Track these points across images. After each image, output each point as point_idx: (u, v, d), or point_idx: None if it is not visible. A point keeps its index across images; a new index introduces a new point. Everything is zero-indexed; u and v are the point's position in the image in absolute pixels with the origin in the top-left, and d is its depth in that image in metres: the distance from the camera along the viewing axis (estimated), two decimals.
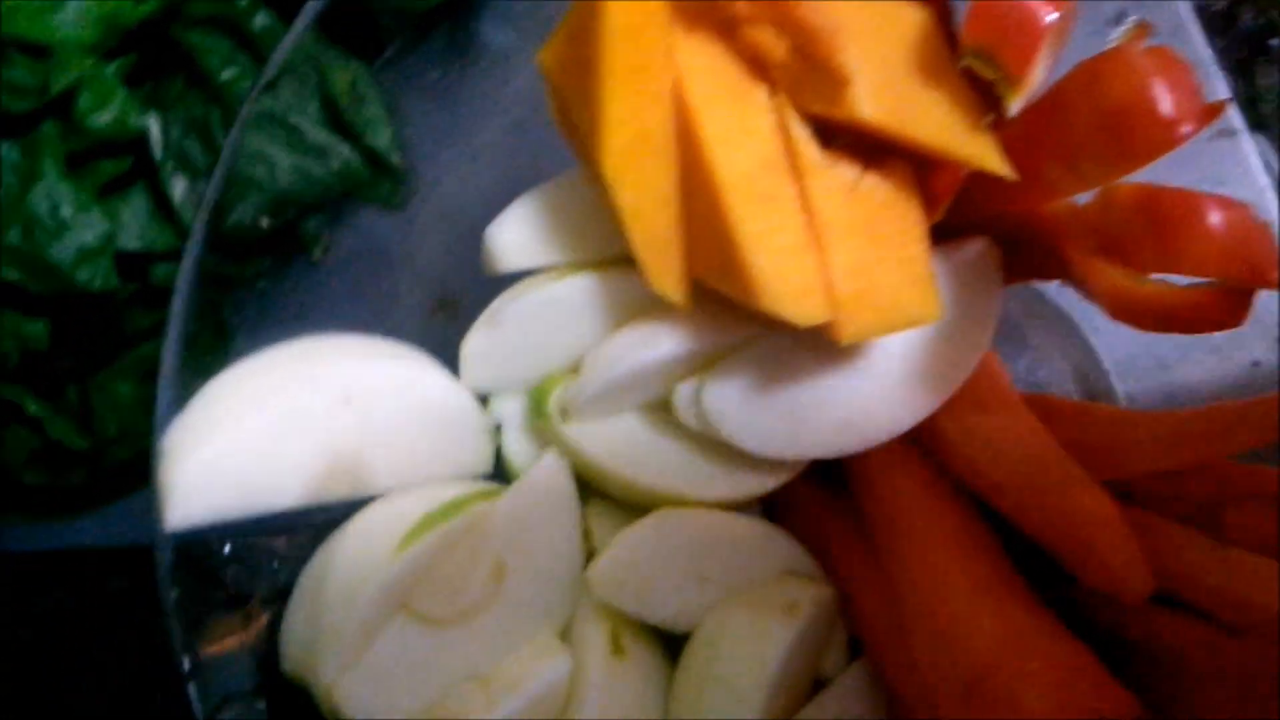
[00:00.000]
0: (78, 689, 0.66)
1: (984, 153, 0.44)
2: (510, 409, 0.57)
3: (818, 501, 0.57)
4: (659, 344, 0.51)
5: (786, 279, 0.44)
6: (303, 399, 0.50)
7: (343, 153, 0.69)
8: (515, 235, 0.54)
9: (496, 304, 0.54)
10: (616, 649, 0.52)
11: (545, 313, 0.53)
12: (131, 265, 0.70)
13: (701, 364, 0.52)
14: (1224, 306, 0.40)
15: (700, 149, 0.45)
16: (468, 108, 0.68)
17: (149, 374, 0.75)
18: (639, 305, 0.53)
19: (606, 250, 0.53)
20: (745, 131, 0.45)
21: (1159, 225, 0.39)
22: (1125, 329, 0.54)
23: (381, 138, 0.69)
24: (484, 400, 0.57)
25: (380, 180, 0.71)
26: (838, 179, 0.46)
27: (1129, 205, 0.41)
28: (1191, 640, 0.43)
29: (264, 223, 0.66)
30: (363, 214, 0.70)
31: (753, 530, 0.55)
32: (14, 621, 0.68)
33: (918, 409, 0.51)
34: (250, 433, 0.49)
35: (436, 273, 0.66)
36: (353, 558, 0.51)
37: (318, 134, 0.68)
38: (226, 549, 0.53)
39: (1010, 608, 0.46)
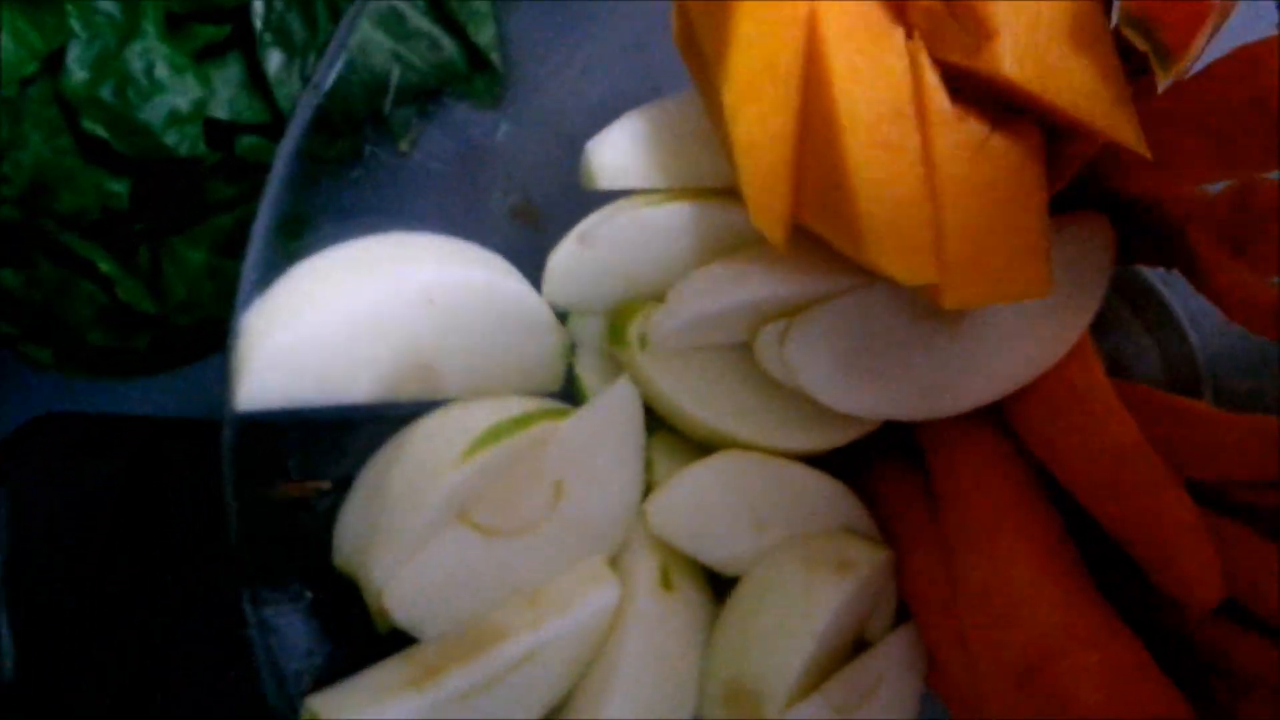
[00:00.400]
0: (128, 553, 0.67)
1: (1124, 127, 0.42)
2: (588, 330, 0.56)
3: (885, 461, 0.56)
4: (751, 283, 0.50)
5: (897, 234, 0.43)
6: (387, 295, 0.50)
7: (443, 44, 0.67)
8: (618, 153, 0.52)
9: (590, 222, 0.53)
10: (665, 583, 0.51)
11: (639, 237, 0.52)
12: (218, 134, 0.69)
13: (791, 310, 0.51)
14: None
15: (828, 84, 0.43)
16: (584, 17, 0.66)
17: (223, 245, 0.76)
18: (736, 241, 0.52)
19: (710, 180, 0.52)
20: (877, 72, 0.43)
21: None
22: (1228, 332, 0.52)
23: (485, 34, 0.68)
24: (563, 318, 0.56)
25: (477, 77, 0.69)
26: (965, 134, 0.44)
27: (1268, 202, 0.38)
28: (1254, 657, 0.42)
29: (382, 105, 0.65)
30: (455, 110, 0.69)
31: (816, 483, 0.54)
32: (68, 481, 0.68)
33: (1007, 383, 0.50)
34: (331, 322, 0.49)
35: (523, 179, 0.65)
36: (417, 460, 0.51)
37: (420, 21, 0.67)
38: (292, 437, 0.52)
39: (1073, 598, 0.45)
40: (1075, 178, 0.47)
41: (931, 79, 0.43)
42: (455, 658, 0.47)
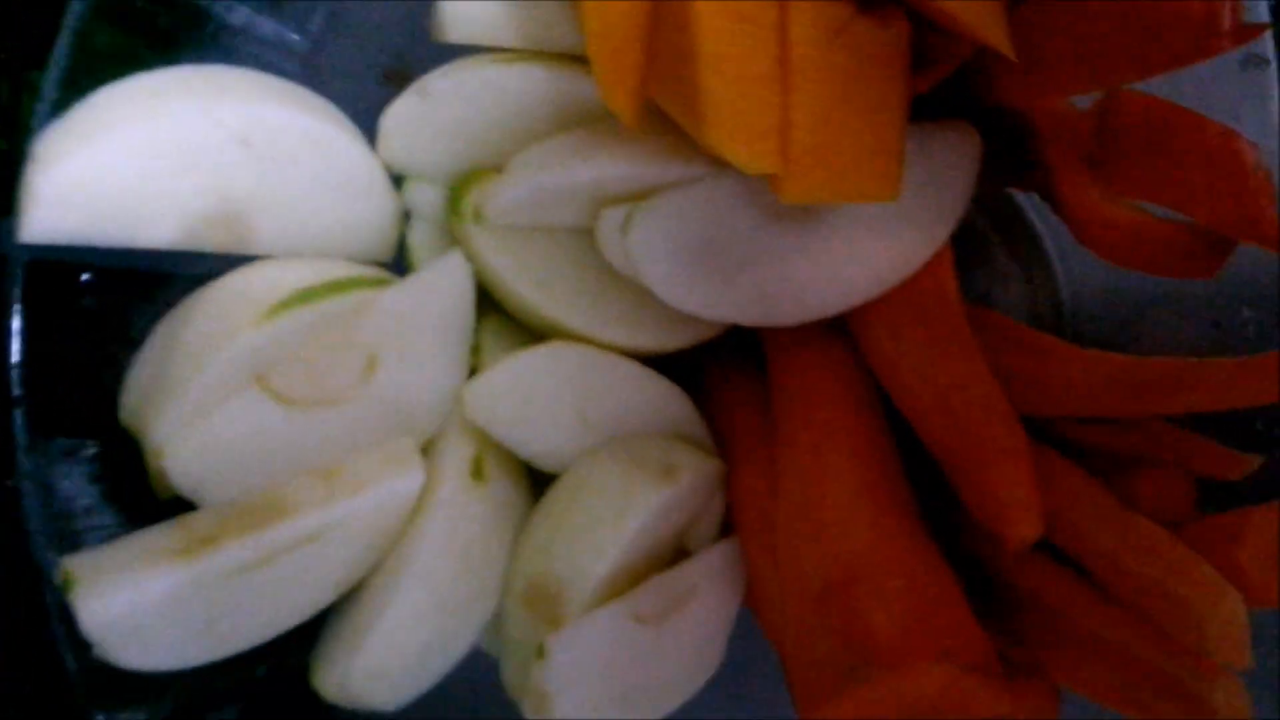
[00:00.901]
0: None
1: (993, 27, 0.39)
2: (425, 198, 0.52)
3: (726, 368, 0.54)
4: (596, 159, 0.46)
5: (741, 114, 0.39)
6: (197, 127, 0.45)
7: None
8: (471, 4, 0.48)
9: (433, 75, 0.48)
10: (477, 473, 0.48)
11: (482, 96, 0.48)
12: None
13: (637, 195, 0.48)
14: (1199, 250, 0.36)
15: None
16: None
17: None
18: (585, 114, 0.48)
19: (564, 44, 0.48)
20: None
21: (1158, 142, 0.35)
22: (1095, 270, 0.50)
23: None
24: (399, 184, 0.52)
25: None
26: (825, 14, 0.40)
27: (1131, 113, 0.36)
28: (1065, 597, 0.40)
29: None
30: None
31: (649, 383, 0.51)
32: None
33: (856, 293, 0.47)
34: (132, 150, 0.44)
35: (393, 41, 0.60)
36: (216, 315, 0.47)
37: None
38: (85, 277, 0.48)
39: (885, 522, 0.43)
40: (942, 84, 0.44)
41: None
42: (232, 529, 0.43)
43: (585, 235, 0.50)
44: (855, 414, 0.47)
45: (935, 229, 0.47)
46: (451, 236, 0.52)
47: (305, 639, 0.48)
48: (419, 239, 0.52)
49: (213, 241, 0.48)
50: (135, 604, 0.41)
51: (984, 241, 0.55)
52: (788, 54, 0.40)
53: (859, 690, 0.37)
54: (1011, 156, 0.46)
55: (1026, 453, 0.42)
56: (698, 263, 0.47)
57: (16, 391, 0.47)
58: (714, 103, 0.39)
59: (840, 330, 0.49)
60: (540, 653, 0.44)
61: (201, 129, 0.45)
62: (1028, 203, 0.55)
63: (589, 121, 0.48)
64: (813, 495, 0.44)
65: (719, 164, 0.47)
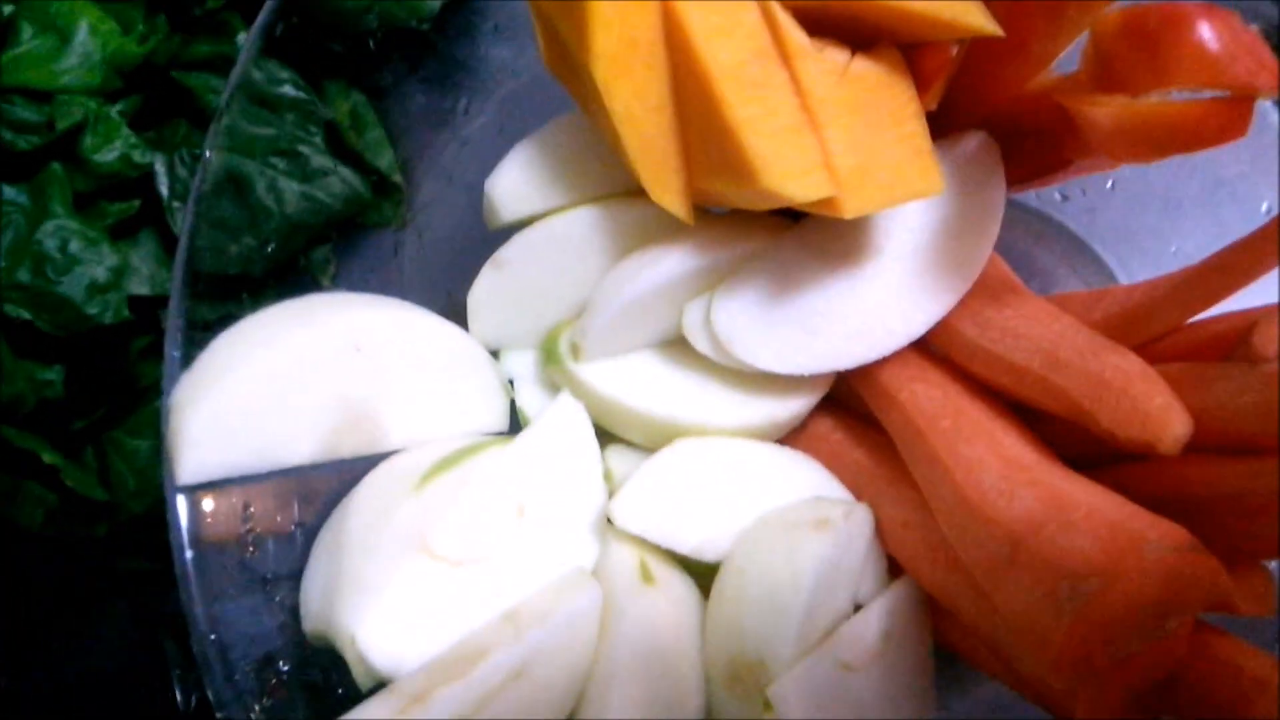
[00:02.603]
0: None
1: (971, 13, 0.44)
2: (522, 363, 0.57)
3: (838, 433, 0.56)
4: (664, 262, 0.51)
5: (785, 158, 0.44)
6: (310, 346, 0.50)
7: (346, 176, 0.69)
8: (514, 181, 0.54)
9: (500, 250, 0.54)
10: (645, 576, 0.50)
11: (549, 250, 0.53)
12: (143, 313, 0.70)
13: (709, 283, 0.52)
14: (1224, 114, 0.40)
15: (689, 45, 0.45)
16: (448, 137, 0.69)
17: None
18: (643, 234, 0.53)
19: (607, 186, 0.54)
20: (732, 24, 0.46)
21: (1147, 41, 0.40)
22: (1130, 241, 0.54)
23: (384, 158, 0.70)
24: (495, 358, 0.57)
25: (382, 201, 0.71)
26: (827, 63, 0.46)
27: (1115, 29, 0.41)
28: (1230, 476, 0.42)
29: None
30: (368, 238, 0.71)
31: (776, 456, 0.53)
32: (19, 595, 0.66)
33: (931, 310, 0.51)
34: (258, 380, 0.49)
35: (444, 282, 0.66)
36: (369, 504, 0.50)
37: (322, 160, 0.69)
38: (247, 511, 0.51)
39: (1045, 476, 0.45)
40: (947, 97, 0.49)
41: (783, 18, 0.46)
42: (440, 681, 0.45)
43: (674, 345, 0.54)
44: (970, 410, 0.49)
45: (983, 230, 0.51)
46: (555, 387, 0.55)
47: None
48: (527, 400, 0.56)
49: (349, 447, 0.51)
50: None
51: (1027, 255, 0.59)
52: (806, 102, 0.45)
53: (1093, 602, 0.38)
54: (1028, 148, 0.51)
55: (1149, 368, 0.44)
56: (780, 324, 0.51)
57: (202, 629, 0.49)
58: (760, 155, 0.44)
59: (929, 350, 0.52)
60: (766, 706, 0.44)
61: (314, 345, 0.50)
62: (1059, 208, 0.59)
63: (648, 238, 0.52)
64: (966, 484, 0.46)
65: (772, 231, 0.52)
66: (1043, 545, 0.41)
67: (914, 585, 0.52)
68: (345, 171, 0.70)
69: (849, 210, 0.45)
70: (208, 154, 0.56)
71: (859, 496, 0.54)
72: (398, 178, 0.70)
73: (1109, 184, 0.60)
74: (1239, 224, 0.46)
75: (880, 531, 0.52)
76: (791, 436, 0.56)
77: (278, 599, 0.51)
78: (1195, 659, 0.41)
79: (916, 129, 0.46)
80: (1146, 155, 0.42)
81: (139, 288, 0.73)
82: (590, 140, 0.54)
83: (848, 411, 0.57)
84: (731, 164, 0.45)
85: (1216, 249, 0.44)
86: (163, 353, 0.72)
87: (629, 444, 0.55)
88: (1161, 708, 0.42)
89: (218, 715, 0.47)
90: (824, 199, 0.44)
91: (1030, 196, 0.61)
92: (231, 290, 0.60)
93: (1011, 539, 0.42)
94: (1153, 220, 0.59)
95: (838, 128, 0.45)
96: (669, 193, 0.49)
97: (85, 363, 0.72)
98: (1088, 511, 0.41)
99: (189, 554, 0.49)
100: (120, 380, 0.74)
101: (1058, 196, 0.61)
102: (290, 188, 0.67)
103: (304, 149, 0.68)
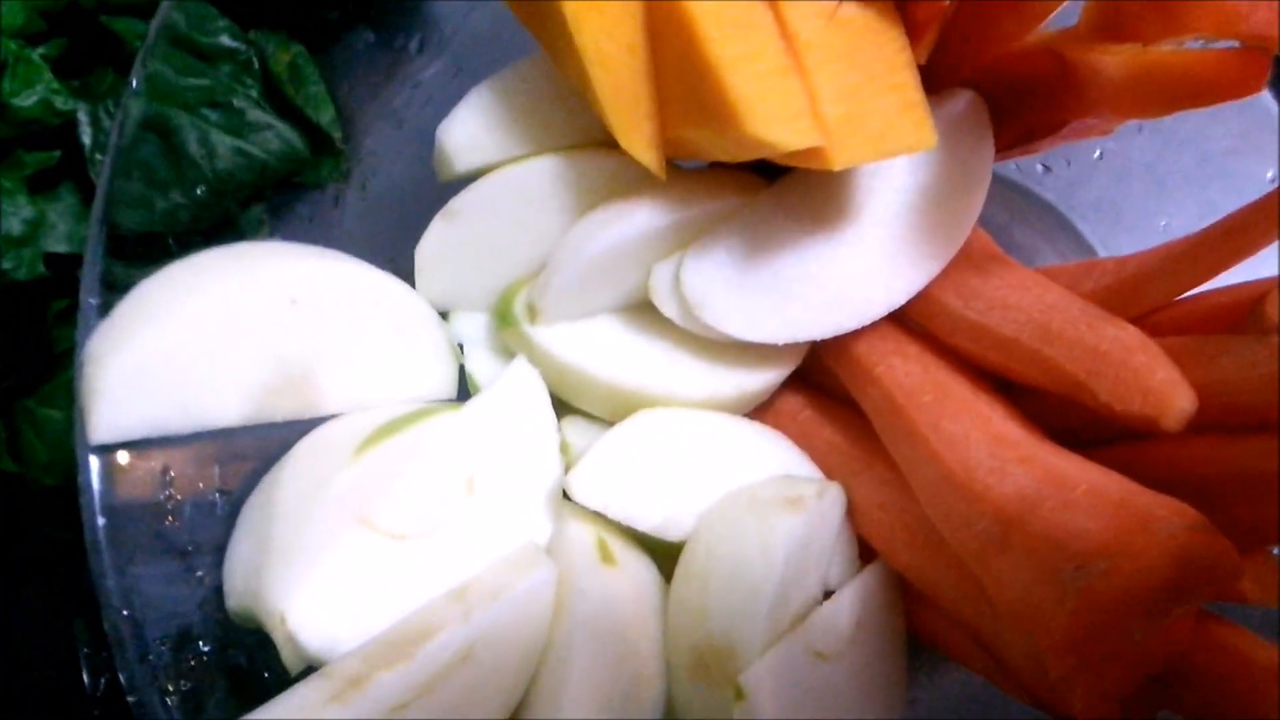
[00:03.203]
0: None
1: None
2: (472, 325, 0.53)
3: (807, 411, 0.53)
4: (632, 218, 0.47)
5: (772, 102, 0.41)
6: (242, 296, 0.45)
7: (284, 132, 0.65)
8: (469, 128, 0.50)
9: (453, 200, 0.50)
10: (606, 557, 0.46)
11: (506, 202, 0.49)
12: (61, 273, 0.64)
13: (678, 243, 0.49)
14: (1241, 66, 0.37)
15: None
16: (399, 81, 0.64)
17: None
18: (608, 188, 0.49)
19: (570, 135, 0.50)
20: None
21: None
22: (1114, 217, 0.51)
23: (325, 114, 0.65)
24: (444, 319, 0.52)
25: (322, 160, 0.66)
26: (814, 5, 0.43)
27: None
28: (1237, 455, 0.39)
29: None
30: (305, 199, 0.66)
31: (744, 431, 0.50)
32: None
33: (913, 278, 0.48)
34: (184, 330, 0.44)
35: (388, 240, 0.61)
36: (303, 471, 0.46)
37: (258, 114, 0.64)
38: (167, 475, 0.46)
39: (1037, 453, 0.42)
40: (937, 52, 0.46)
41: None
42: (379, 664, 0.40)
43: (638, 309, 0.51)
44: (954, 385, 0.47)
45: (970, 194, 0.48)
46: (508, 352, 0.51)
47: None
48: (477, 366, 0.52)
49: (282, 410, 0.47)
50: None
51: (1005, 230, 0.56)
52: (793, 45, 0.42)
53: (1100, 583, 0.35)
54: (1019, 109, 0.48)
55: (1150, 340, 0.41)
56: (753, 290, 0.48)
57: (112, 603, 0.44)
58: (743, 97, 0.41)
59: (900, 320, 0.49)
60: (739, 694, 0.41)
61: (247, 295, 0.46)
62: (1036, 181, 0.57)
63: (613, 194, 0.49)
64: (951, 461, 0.43)
65: (748, 190, 0.49)
66: (1040, 525, 0.38)
67: (887, 570, 0.49)
68: (282, 127, 0.65)
69: (837, 161, 0.41)
70: (128, 101, 0.51)
71: (829, 476, 0.51)
72: (338, 134, 0.65)
73: (1096, 154, 0.57)
74: (1227, 202, 0.43)
75: (852, 513, 0.49)
76: (758, 414, 0.53)
77: (198, 573, 0.46)
78: (1198, 648, 0.38)
79: (908, 79, 0.43)
80: (1157, 108, 0.39)
81: (56, 245, 0.67)
82: (554, 86, 0.50)
83: (816, 389, 0.54)
84: (711, 108, 0.42)
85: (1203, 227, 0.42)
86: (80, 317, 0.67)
87: (586, 415, 0.51)
88: (1161, 701, 0.40)
89: (129, 699, 0.43)
90: (811, 148, 0.41)
91: (1010, 169, 0.59)
92: (158, 249, 0.55)
93: (1004, 519, 0.40)
94: (1137, 197, 0.57)
95: (826, 74, 0.42)
96: (640, 142, 0.45)
97: None
98: (1088, 489, 0.39)
99: (101, 521, 0.44)
100: (34, 345, 0.69)
101: (1039, 168, 0.58)
102: (223, 141, 0.62)
103: (239, 102, 0.63)
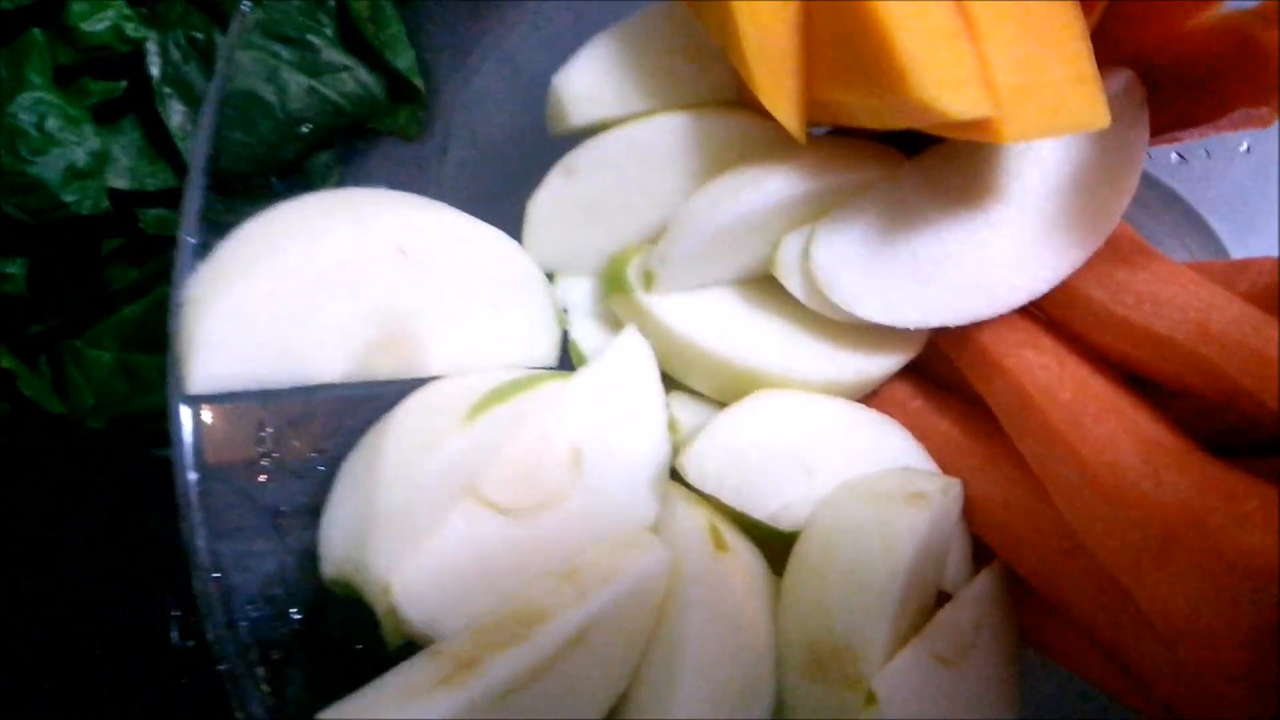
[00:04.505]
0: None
1: None
2: (579, 292, 0.50)
3: (917, 400, 0.50)
4: (765, 185, 0.45)
5: (941, 64, 0.38)
6: (352, 243, 0.43)
7: (360, 75, 0.62)
8: (590, 79, 0.47)
9: (571, 154, 0.47)
10: (718, 543, 0.44)
11: (628, 161, 0.47)
12: (119, 210, 0.62)
13: (810, 215, 0.46)
14: None
15: None
16: (496, 31, 0.61)
17: (133, 338, 0.67)
18: (739, 151, 0.46)
19: (701, 92, 0.47)
20: None
21: None
22: (1248, 217, 0.49)
23: (404, 58, 0.62)
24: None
25: (399, 107, 0.63)
26: None
27: None
28: None
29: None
30: (378, 148, 0.63)
31: (862, 419, 0.48)
32: None
33: (1058, 267, 0.45)
34: (290, 278, 0.41)
35: (482, 203, 0.59)
36: (410, 435, 0.43)
37: (333, 53, 0.61)
38: (263, 431, 0.44)
39: (1196, 461, 0.39)
40: (1098, 31, 0.43)
41: None
42: (492, 645, 0.38)
43: (758, 284, 0.48)
44: (1095, 384, 0.44)
45: (1122, 181, 0.45)
46: (615, 324, 0.49)
47: None
48: (582, 335, 0.49)
49: (384, 367, 0.45)
50: None
51: (1129, 219, 0.53)
52: (966, 7, 0.39)
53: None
54: (1176, 93, 0.45)
55: None
56: (887, 270, 0.45)
57: (203, 566, 0.42)
58: (912, 56, 0.38)
59: (1029, 315, 0.47)
60: (870, 699, 0.38)
61: (355, 244, 0.43)
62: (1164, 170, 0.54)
63: (743, 158, 0.46)
64: (1097, 465, 0.40)
65: (889, 163, 0.46)
66: (1209, 539, 0.36)
67: (1004, 572, 0.46)
68: (360, 69, 0.62)
69: (1008, 134, 0.39)
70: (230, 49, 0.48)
71: (943, 470, 0.48)
72: (419, 81, 0.62)
73: (1244, 146, 0.54)
74: None
75: (969, 511, 0.47)
76: (866, 401, 0.50)
77: (290, 537, 0.44)
78: None
79: (1082, 50, 0.40)
80: None
81: (117, 180, 0.65)
82: (683, 37, 0.47)
83: (926, 378, 0.51)
84: (871, 68, 0.39)
85: None
86: (135, 257, 0.64)
87: (694, 394, 0.49)
88: None
89: (219, 668, 0.40)
90: (980, 119, 0.38)
91: None
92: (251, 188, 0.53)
93: (1166, 529, 0.37)
94: (1274, 194, 0.54)
95: (998, 39, 0.39)
96: (784, 100, 0.42)
97: (51, 258, 0.64)
98: (1262, 503, 0.36)
99: (192, 476, 0.41)
100: (86, 283, 0.66)
101: (1174, 158, 0.55)
102: (296, 80, 0.59)
103: (314, 39, 0.61)
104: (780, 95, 0.42)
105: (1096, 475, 0.40)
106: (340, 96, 0.61)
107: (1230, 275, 0.45)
